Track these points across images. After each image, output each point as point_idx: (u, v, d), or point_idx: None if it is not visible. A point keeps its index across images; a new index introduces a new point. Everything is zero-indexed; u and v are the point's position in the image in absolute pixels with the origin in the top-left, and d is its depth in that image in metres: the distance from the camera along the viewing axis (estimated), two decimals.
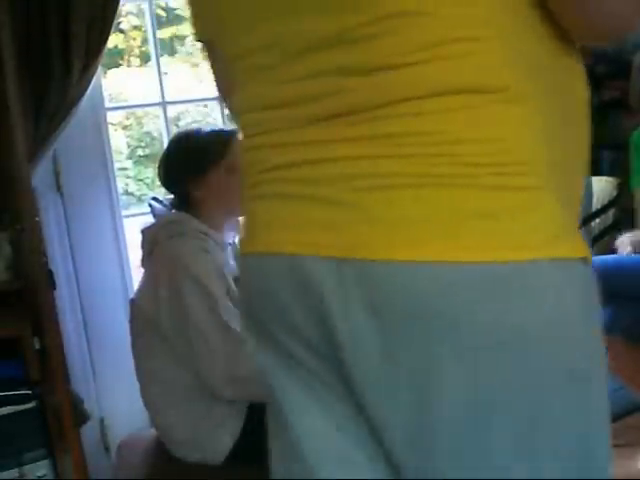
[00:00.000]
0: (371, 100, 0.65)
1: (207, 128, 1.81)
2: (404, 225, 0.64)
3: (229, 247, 1.82)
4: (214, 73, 0.93)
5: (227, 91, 0.86)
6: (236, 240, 1.93)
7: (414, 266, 0.63)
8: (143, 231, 1.76)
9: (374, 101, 0.65)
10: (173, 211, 1.75)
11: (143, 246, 1.75)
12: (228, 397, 1.62)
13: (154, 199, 1.80)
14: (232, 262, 1.79)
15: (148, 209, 1.80)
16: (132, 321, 1.75)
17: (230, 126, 1.86)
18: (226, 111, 2.52)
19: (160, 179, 1.81)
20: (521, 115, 0.64)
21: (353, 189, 0.66)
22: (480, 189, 0.63)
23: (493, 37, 0.63)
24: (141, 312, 1.68)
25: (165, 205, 1.78)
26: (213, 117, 3.57)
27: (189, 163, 1.73)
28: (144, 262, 1.76)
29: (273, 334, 0.76)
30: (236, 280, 1.72)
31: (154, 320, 1.64)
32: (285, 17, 0.69)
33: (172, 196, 1.82)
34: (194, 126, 1.99)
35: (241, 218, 1.98)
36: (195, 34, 0.91)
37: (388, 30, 0.63)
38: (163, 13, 5.82)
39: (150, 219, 1.77)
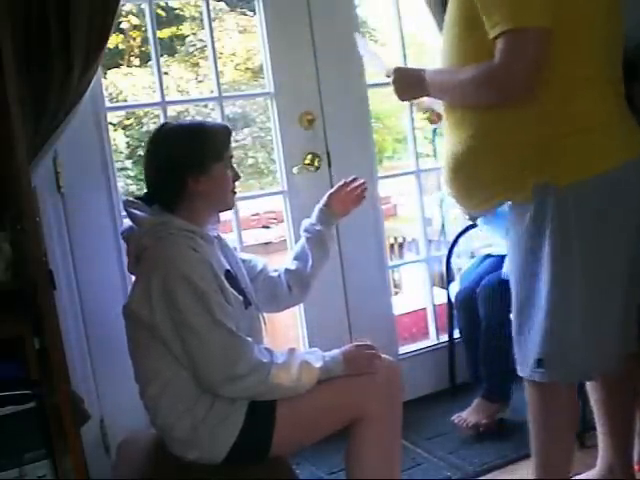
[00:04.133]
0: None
1: (197, 121, 1.81)
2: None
3: (215, 240, 1.80)
4: (541, 56, 1.53)
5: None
6: (220, 233, 1.89)
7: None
8: (127, 238, 1.75)
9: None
10: (153, 212, 1.71)
11: (129, 253, 1.74)
12: (227, 396, 1.62)
13: (129, 202, 1.73)
14: (220, 255, 1.78)
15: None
16: (127, 326, 1.74)
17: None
18: (226, 111, 2.52)
19: (151, 172, 1.75)
20: None
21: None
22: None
23: None
24: (135, 317, 1.67)
25: (142, 209, 1.72)
26: (213, 117, 3.56)
27: (194, 157, 1.70)
28: (132, 268, 1.75)
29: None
30: (227, 274, 1.72)
31: (149, 323, 1.63)
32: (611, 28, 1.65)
33: (143, 195, 1.77)
34: (184, 119, 1.99)
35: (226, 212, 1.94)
36: (543, 19, 1.50)
37: None
38: (163, 13, 5.83)
39: None
